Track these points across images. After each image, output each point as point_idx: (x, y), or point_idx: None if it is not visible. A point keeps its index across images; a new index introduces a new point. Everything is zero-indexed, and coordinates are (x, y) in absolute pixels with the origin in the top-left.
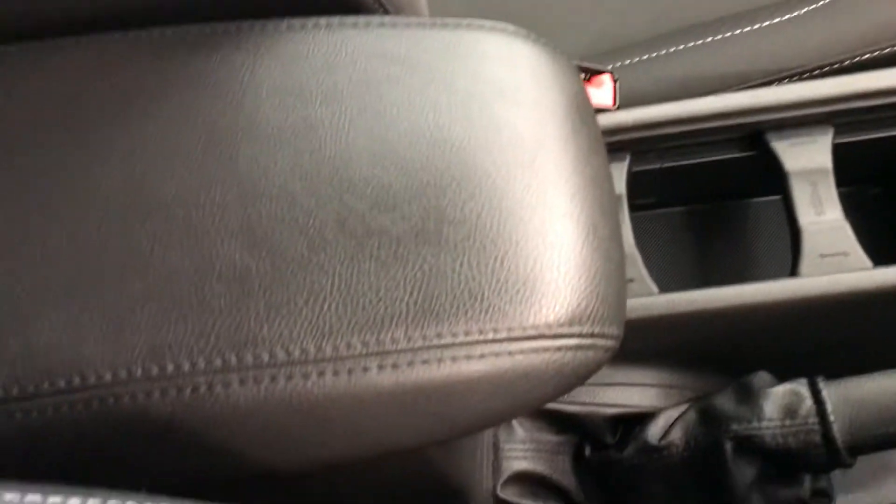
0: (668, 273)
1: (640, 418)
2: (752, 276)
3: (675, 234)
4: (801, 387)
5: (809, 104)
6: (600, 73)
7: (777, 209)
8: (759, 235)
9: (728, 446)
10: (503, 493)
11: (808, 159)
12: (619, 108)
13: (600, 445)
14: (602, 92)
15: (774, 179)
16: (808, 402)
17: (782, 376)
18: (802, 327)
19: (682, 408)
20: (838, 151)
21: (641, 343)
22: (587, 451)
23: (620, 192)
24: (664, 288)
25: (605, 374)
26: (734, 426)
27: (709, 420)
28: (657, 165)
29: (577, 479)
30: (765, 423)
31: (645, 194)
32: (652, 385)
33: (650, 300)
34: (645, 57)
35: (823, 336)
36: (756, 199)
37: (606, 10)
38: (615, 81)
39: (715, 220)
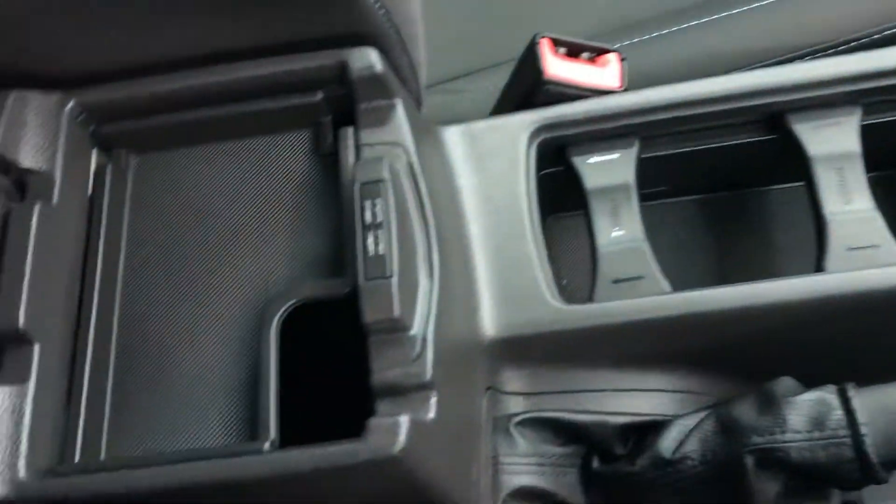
0: (681, 269)
1: (653, 427)
2: (772, 272)
3: (689, 226)
4: (829, 395)
5: (834, 82)
6: (605, 52)
7: (800, 198)
8: (781, 227)
9: (749, 461)
10: None
11: (833, 143)
12: (626, 89)
13: (610, 457)
14: (607, 72)
15: (796, 165)
16: (838, 412)
17: (808, 382)
18: (829, 328)
19: (699, 416)
20: (867, 134)
21: (652, 346)
22: (595, 464)
23: (629, 181)
24: (677, 286)
25: (614, 379)
26: (756, 439)
27: (727, 431)
28: (668, 151)
29: (585, 495)
30: (789, 436)
31: (655, 182)
32: (664, 391)
33: (661, 299)
34: (654, 34)
35: (853, 338)
36: (776, 187)
37: None
38: (622, 61)
39: (732, 211)
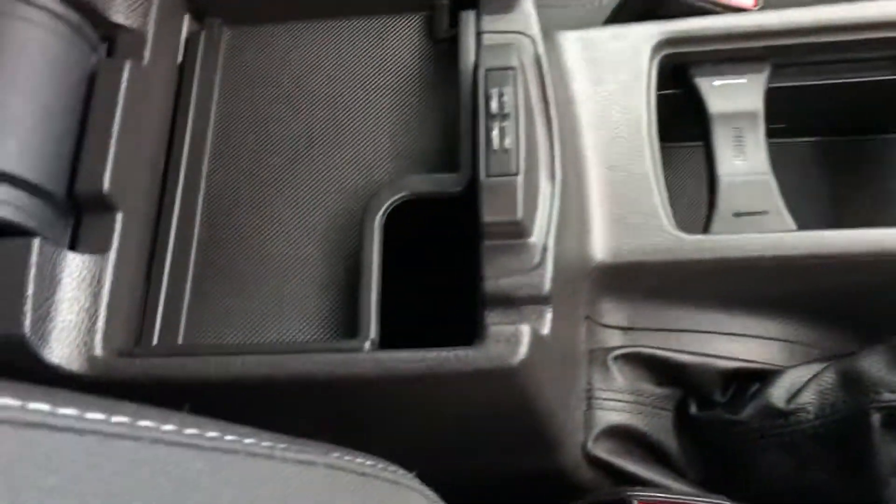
0: (797, 211)
1: (758, 376)
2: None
3: (801, 170)
4: None
5: None
6: None
7: None
8: None
9: (875, 418)
10: (594, 449)
11: None
12: (761, 9)
13: (708, 403)
14: None
15: None
16: None
17: None
18: None
19: (814, 368)
20: None
21: (768, 288)
22: (693, 409)
23: (757, 108)
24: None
25: (720, 321)
26: (886, 395)
27: (851, 385)
28: (796, 83)
29: (679, 440)
30: None
31: (774, 118)
32: (774, 339)
33: (787, 237)
34: None
35: None
36: None
37: None
38: None
39: (850, 158)
